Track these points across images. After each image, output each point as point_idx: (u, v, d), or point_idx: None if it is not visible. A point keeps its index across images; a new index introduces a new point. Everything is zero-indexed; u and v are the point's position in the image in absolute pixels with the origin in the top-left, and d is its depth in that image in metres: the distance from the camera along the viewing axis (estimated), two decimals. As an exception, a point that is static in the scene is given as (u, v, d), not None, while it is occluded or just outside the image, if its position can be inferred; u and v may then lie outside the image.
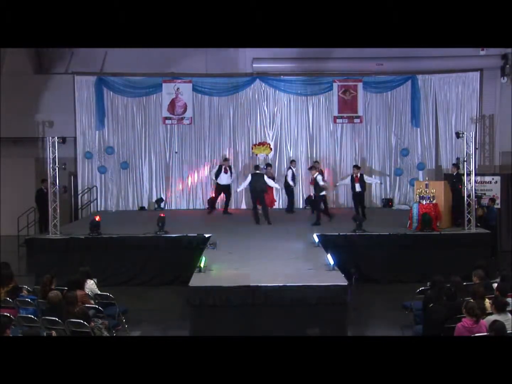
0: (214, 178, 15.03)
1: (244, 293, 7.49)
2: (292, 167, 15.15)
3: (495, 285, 7.60)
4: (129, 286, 10.91)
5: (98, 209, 16.08)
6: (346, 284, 7.68)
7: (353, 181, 13.68)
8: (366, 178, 13.99)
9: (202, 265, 8.39)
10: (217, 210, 15.15)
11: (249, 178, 13.38)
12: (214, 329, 7.27)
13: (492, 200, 13.74)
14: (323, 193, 12.94)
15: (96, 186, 16.30)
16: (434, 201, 11.70)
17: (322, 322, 7.34)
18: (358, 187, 13.63)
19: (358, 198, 13.74)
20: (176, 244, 11.28)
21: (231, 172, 14.87)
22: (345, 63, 15.98)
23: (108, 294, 8.23)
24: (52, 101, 15.77)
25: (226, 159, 15.19)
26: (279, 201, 16.15)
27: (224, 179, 14.75)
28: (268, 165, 15.21)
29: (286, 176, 15.08)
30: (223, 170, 14.72)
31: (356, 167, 14.10)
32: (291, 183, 14.93)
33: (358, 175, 13.72)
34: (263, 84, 16.40)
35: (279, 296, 7.47)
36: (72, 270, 8.90)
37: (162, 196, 16.35)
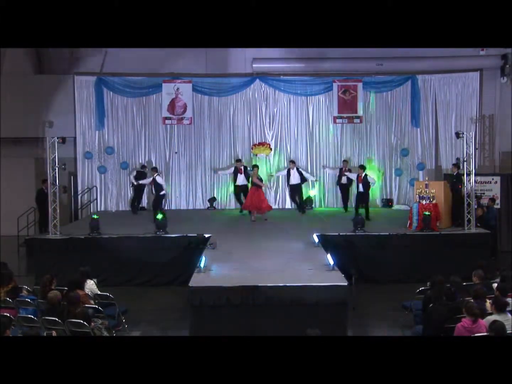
0: (134, 182, 15.04)
1: (244, 293, 7.49)
2: (291, 168, 15.11)
3: (495, 285, 7.60)
4: (129, 286, 10.90)
5: (98, 209, 16.08)
6: (346, 284, 7.69)
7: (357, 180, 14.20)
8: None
9: (202, 264, 8.43)
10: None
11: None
12: (214, 329, 7.27)
13: (492, 200, 13.73)
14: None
15: (96, 186, 16.28)
16: (434, 201, 11.70)
17: (322, 322, 7.31)
18: (361, 187, 13.82)
19: (361, 197, 13.85)
20: (176, 244, 11.28)
21: (246, 173, 14.79)
22: (345, 63, 15.95)
23: (108, 294, 8.23)
24: (52, 101, 15.77)
25: (238, 160, 15.15)
26: (281, 201, 16.26)
27: (240, 180, 14.80)
28: (255, 166, 14.61)
29: (289, 177, 15.05)
30: (238, 171, 14.82)
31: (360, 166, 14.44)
32: (310, 178, 15.57)
33: (362, 175, 13.88)
34: (263, 84, 16.36)
35: (279, 296, 7.48)
36: (72, 270, 8.92)
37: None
